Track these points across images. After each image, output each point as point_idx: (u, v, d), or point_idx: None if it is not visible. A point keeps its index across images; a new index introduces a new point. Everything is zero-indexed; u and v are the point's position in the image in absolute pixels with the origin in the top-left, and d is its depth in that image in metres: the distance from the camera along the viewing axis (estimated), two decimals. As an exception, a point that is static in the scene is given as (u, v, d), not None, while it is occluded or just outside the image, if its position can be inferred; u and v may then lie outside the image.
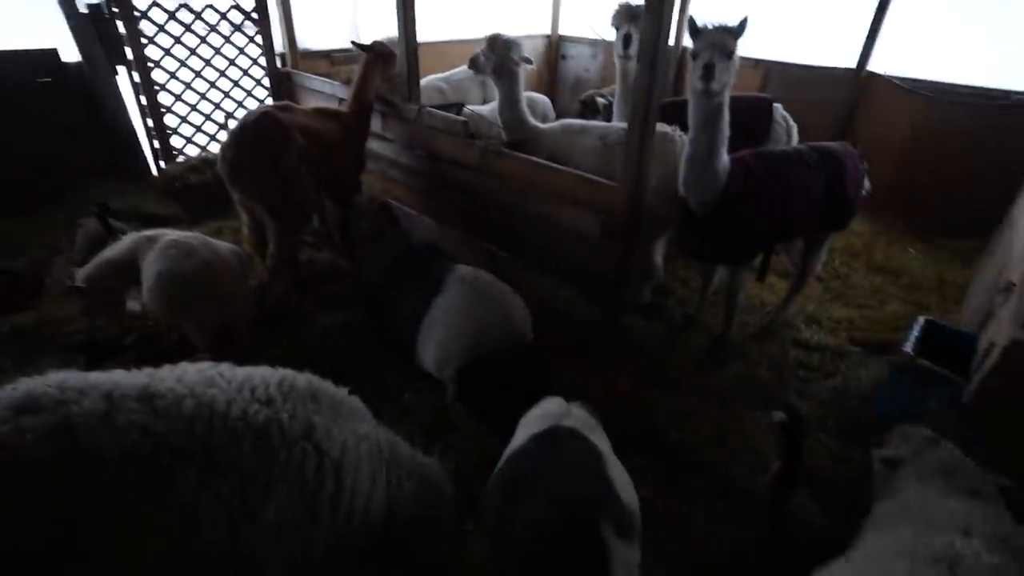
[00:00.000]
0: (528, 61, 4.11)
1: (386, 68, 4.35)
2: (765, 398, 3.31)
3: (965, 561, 1.51)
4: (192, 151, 5.68)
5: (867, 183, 3.76)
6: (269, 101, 5.77)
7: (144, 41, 5.00)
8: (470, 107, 4.93)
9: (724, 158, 3.06)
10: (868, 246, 5.29)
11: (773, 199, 3.23)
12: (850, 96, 5.94)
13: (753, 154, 3.32)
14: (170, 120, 5.44)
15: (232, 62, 5.59)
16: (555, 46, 8.06)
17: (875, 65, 5.85)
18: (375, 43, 4.28)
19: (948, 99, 5.43)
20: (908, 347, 3.07)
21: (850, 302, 4.48)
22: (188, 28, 5.21)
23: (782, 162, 3.34)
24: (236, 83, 5.70)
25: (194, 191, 5.14)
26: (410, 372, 3.28)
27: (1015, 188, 4.37)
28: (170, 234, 3.07)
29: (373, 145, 4.88)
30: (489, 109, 4.79)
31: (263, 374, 1.70)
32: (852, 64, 5.88)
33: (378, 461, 1.79)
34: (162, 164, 5.54)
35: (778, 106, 4.62)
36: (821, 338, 3.95)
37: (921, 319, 3.37)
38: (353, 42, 4.34)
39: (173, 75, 5.25)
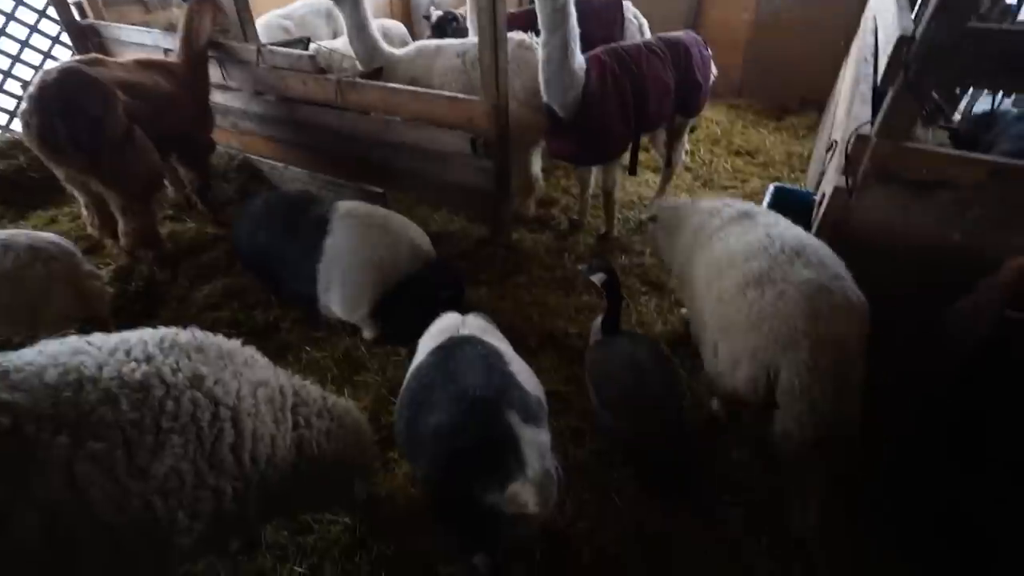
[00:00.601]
0: (369, -18, 3.83)
1: (216, 10, 3.90)
2: (651, 281, 3.59)
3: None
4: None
5: (714, 68, 4.00)
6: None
7: None
8: (320, 42, 4.56)
9: (579, 57, 3.11)
10: (727, 132, 5.74)
11: (630, 92, 3.36)
12: (695, -12, 6.18)
13: (607, 51, 3.40)
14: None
15: (11, 16, 4.63)
16: (404, -32, 7.53)
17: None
18: None
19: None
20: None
21: (716, 185, 4.88)
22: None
23: (635, 56, 3.45)
24: (25, 43, 4.78)
25: (5, 180, 4.38)
26: (305, 326, 3.19)
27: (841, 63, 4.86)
28: None
29: (217, 98, 4.42)
30: (342, 43, 4.46)
31: (140, 335, 1.62)
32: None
33: (280, 405, 1.78)
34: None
35: (627, 4, 4.71)
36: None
37: (771, 186, 3.75)
38: None
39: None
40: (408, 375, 2.01)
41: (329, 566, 2.10)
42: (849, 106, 3.51)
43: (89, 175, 3.18)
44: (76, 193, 3.43)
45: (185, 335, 1.69)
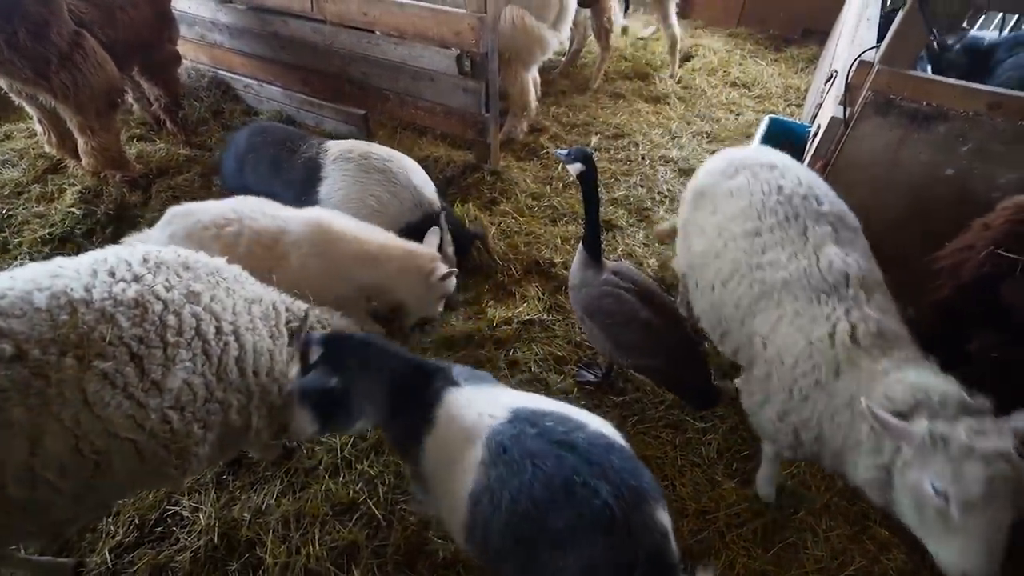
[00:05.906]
0: None
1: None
2: (639, 209, 3.54)
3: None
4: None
5: None
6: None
7: None
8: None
9: None
10: (724, 62, 5.51)
11: None
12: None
13: None
14: None
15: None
16: None
17: None
18: None
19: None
20: (755, 142, 3.34)
21: (708, 116, 4.73)
22: None
23: None
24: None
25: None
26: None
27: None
28: None
29: (182, 4, 4.08)
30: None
31: (116, 253, 1.55)
32: None
33: (275, 320, 1.78)
34: None
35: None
36: (680, 152, 4.20)
37: (766, 118, 3.64)
38: None
39: None
40: (467, 499, 1.34)
41: (315, 484, 2.15)
42: (854, 32, 3.35)
43: (37, 88, 2.94)
44: (26, 107, 3.20)
45: (168, 252, 1.63)
